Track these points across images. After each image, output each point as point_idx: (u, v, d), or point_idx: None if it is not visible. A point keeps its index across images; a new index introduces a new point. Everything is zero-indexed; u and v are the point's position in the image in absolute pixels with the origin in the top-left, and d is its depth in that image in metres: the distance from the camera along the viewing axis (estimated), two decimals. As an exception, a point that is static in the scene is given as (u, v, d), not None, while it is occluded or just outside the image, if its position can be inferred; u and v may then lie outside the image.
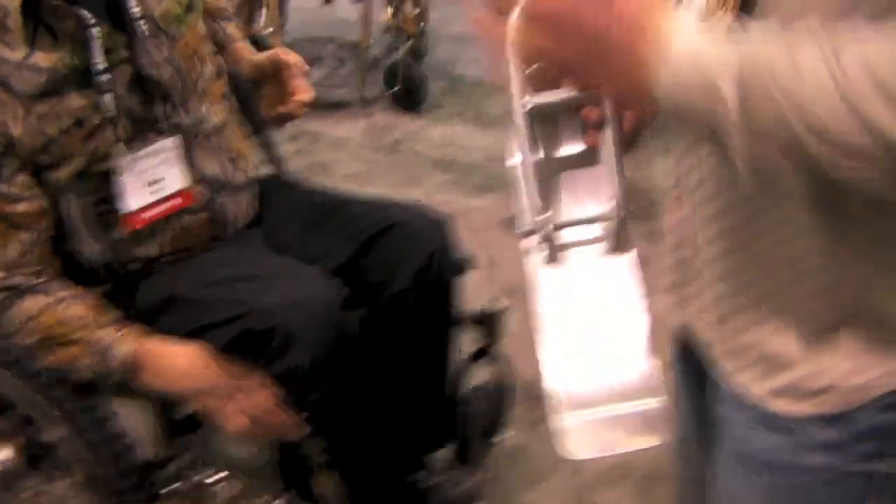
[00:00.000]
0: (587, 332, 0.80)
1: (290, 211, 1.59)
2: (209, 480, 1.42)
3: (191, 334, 1.34)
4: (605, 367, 0.79)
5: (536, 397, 2.15)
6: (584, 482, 2.00)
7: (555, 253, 0.81)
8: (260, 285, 1.34)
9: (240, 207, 1.53)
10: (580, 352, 0.79)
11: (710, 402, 0.96)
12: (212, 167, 1.47)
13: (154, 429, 1.44)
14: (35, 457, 1.52)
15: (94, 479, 1.36)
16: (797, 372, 0.81)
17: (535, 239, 0.81)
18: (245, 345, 1.30)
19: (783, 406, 0.83)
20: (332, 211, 1.57)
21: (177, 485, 1.41)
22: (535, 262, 0.83)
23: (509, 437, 1.78)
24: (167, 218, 1.41)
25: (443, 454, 1.72)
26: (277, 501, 1.34)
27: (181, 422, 1.44)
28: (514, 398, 1.81)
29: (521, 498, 1.95)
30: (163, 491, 1.40)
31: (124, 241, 1.39)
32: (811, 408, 0.81)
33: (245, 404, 1.28)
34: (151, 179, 1.39)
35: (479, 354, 1.75)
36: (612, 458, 2.04)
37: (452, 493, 1.79)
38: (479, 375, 1.77)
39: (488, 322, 1.71)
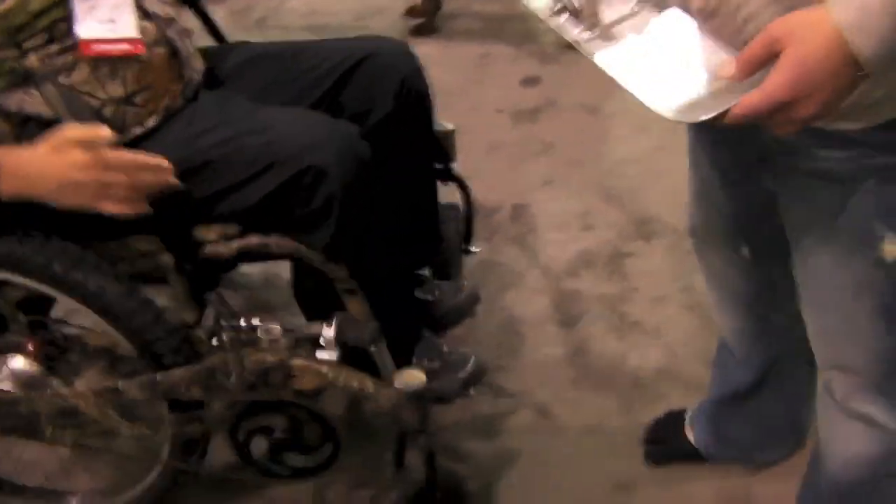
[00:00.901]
0: (673, 65, 0.89)
1: (250, 66, 1.60)
2: (243, 325, 1.47)
3: (218, 196, 1.37)
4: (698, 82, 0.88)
5: (491, 212, 2.31)
6: (555, 274, 2.17)
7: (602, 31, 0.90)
8: (272, 135, 1.37)
9: (193, 52, 1.53)
10: (672, 78, 0.88)
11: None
12: (160, 8, 1.47)
13: (177, 294, 1.47)
14: (51, 360, 1.52)
15: (142, 345, 1.39)
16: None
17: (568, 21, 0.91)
18: (278, 193, 1.35)
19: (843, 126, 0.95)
20: (295, 57, 1.59)
21: (216, 339, 1.46)
22: (588, 48, 0.91)
23: (477, 251, 1.90)
24: (126, 58, 1.39)
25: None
26: (326, 325, 1.40)
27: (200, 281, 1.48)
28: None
29: (503, 301, 2.10)
30: (210, 345, 1.45)
31: (88, 83, 1.37)
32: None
33: (114, 184, 1.28)
34: (106, 19, 1.37)
35: (442, 174, 1.83)
36: (574, 250, 2.22)
37: (450, 303, 1.91)
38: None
39: (445, 142, 1.80)
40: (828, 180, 1.02)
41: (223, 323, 1.47)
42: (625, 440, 1.77)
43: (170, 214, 1.39)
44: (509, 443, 1.79)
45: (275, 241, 1.42)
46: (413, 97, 1.58)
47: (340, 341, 1.38)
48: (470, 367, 1.74)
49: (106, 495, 1.63)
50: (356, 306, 1.48)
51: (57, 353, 1.52)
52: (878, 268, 1.05)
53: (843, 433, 1.26)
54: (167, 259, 1.43)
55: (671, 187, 2.36)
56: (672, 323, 2.01)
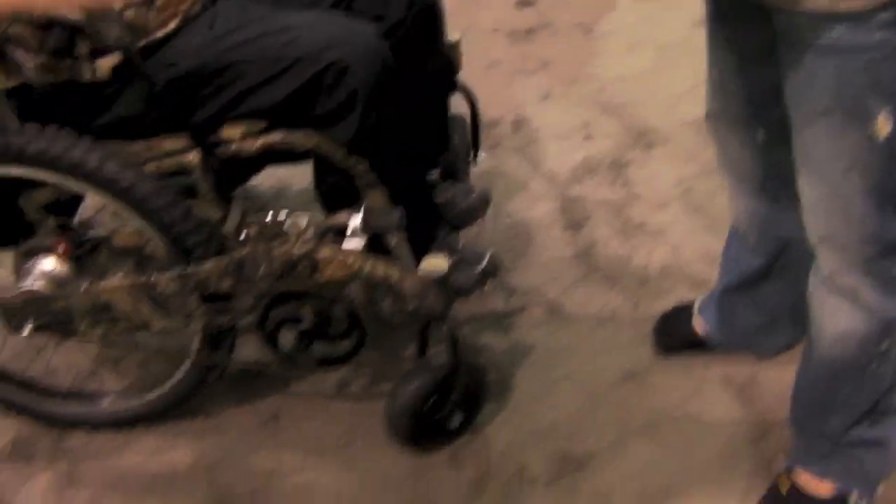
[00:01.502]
0: None
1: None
2: (269, 219, 1.51)
3: (244, 95, 1.41)
4: None
5: (492, 125, 2.35)
6: (559, 182, 2.22)
7: None
8: (294, 34, 1.40)
9: None
10: None
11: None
12: None
13: (203, 192, 1.51)
14: (79, 261, 1.56)
15: (172, 240, 1.43)
16: None
17: None
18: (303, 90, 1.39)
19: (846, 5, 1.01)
20: None
21: (244, 233, 1.50)
22: None
23: (482, 158, 1.94)
24: None
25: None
26: (352, 218, 1.44)
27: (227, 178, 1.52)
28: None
29: (509, 207, 2.15)
30: (237, 239, 1.50)
31: None
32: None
33: None
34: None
35: (448, 85, 1.87)
36: (576, 159, 2.27)
37: (462, 204, 1.96)
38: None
39: (451, 53, 1.83)
40: (830, 55, 1.08)
41: (250, 217, 1.51)
42: (633, 333, 1.84)
43: (197, 114, 1.43)
44: (522, 337, 1.85)
45: (298, 137, 1.46)
46: (424, 6, 1.61)
47: (367, 229, 1.42)
48: (486, 261, 1.79)
49: (136, 393, 1.68)
50: (377, 199, 1.53)
51: (85, 255, 1.56)
52: (870, 144, 1.11)
53: (830, 310, 1.32)
54: (193, 157, 1.47)
55: (666, 102, 2.42)
56: (675, 225, 2.07)
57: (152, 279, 1.45)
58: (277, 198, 2.11)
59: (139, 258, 1.57)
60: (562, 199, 2.16)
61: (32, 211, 1.55)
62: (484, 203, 1.95)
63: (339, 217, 1.44)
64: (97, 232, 1.56)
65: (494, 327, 1.87)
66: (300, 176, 2.19)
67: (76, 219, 1.63)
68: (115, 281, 1.46)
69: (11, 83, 1.44)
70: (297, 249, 1.44)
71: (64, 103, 1.46)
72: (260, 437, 1.70)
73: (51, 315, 1.50)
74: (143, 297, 1.47)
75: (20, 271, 1.55)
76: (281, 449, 1.68)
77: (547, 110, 2.44)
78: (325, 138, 1.45)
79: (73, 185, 1.41)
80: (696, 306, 1.79)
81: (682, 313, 1.81)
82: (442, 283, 1.45)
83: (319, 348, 1.56)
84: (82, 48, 1.42)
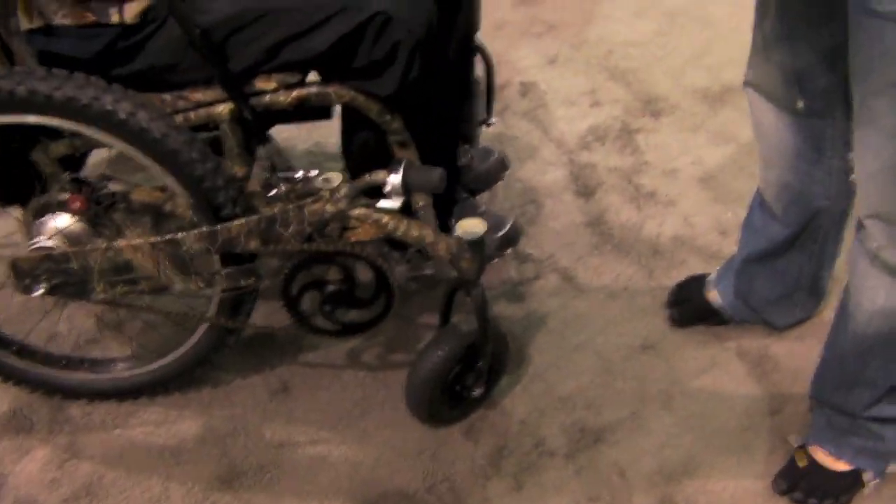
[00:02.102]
0: None
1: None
2: (300, 176, 1.46)
3: (283, 43, 1.34)
4: None
5: (500, 88, 2.30)
6: (569, 148, 2.19)
7: None
8: None
9: None
10: None
11: None
12: None
13: (230, 146, 1.45)
14: (95, 218, 1.49)
15: (200, 196, 1.37)
16: None
17: None
18: (347, 39, 1.33)
19: None
20: None
21: (274, 190, 1.45)
22: None
23: (494, 122, 1.90)
24: None
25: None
26: (391, 172, 1.39)
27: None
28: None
29: (520, 172, 2.12)
30: (266, 196, 1.44)
31: None
32: None
33: None
34: None
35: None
36: (584, 125, 2.23)
37: (481, 167, 1.93)
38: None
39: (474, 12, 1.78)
40: None
41: (279, 174, 1.46)
42: (648, 303, 1.83)
43: (231, 64, 1.36)
44: (537, 306, 1.82)
45: (334, 90, 1.40)
46: None
47: (407, 188, 1.38)
48: (508, 227, 1.76)
49: (150, 358, 1.61)
50: (409, 158, 1.49)
51: (101, 211, 1.49)
52: None
53: (871, 284, 1.31)
54: (223, 110, 1.41)
55: (672, 69, 2.40)
56: (685, 194, 2.06)
57: (179, 237, 1.39)
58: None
59: (157, 216, 1.50)
60: (572, 166, 2.13)
61: (46, 164, 1.47)
62: (502, 167, 1.92)
63: (377, 175, 1.38)
64: (117, 186, 1.48)
65: (508, 296, 1.84)
66: (304, 136, 2.14)
67: (84, 173, 1.56)
68: (139, 238, 1.39)
69: (35, 24, 1.36)
70: (330, 208, 1.39)
71: (87, 49, 1.38)
72: (270, 407, 1.66)
73: (65, 275, 1.43)
74: (166, 257, 1.41)
75: (31, 229, 1.47)
76: (292, 420, 1.63)
77: (554, 75, 2.40)
78: (360, 92, 1.40)
79: (99, 136, 1.34)
80: (711, 277, 1.78)
81: (696, 284, 1.80)
82: (477, 246, 1.42)
83: (343, 313, 1.52)
84: (107, -12, 1.34)
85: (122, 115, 1.30)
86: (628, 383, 1.69)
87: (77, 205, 1.46)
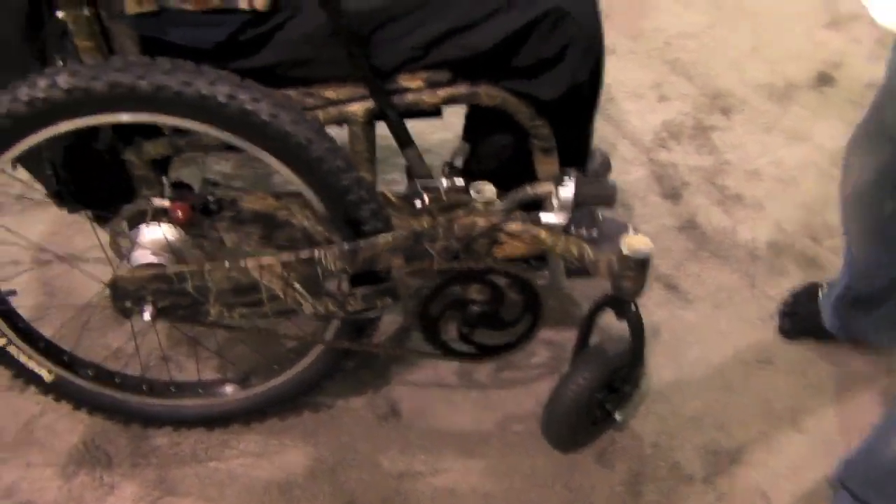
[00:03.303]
0: None
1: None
2: (447, 186, 1.30)
3: (442, 38, 1.18)
4: None
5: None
6: (645, 146, 2.07)
7: None
8: None
9: None
10: None
11: None
12: None
13: (359, 150, 1.28)
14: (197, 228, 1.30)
15: (340, 208, 1.20)
16: None
17: None
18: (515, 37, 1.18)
19: None
20: None
21: (419, 200, 1.28)
22: None
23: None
24: None
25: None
26: (561, 189, 1.24)
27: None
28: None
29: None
30: (411, 208, 1.27)
31: None
32: None
33: None
34: None
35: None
36: (657, 122, 2.12)
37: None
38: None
39: None
40: None
41: (421, 183, 1.30)
42: (756, 313, 1.73)
43: (377, 59, 1.19)
44: (647, 317, 1.69)
45: (484, 90, 1.25)
46: None
47: (577, 202, 1.23)
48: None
49: (259, 381, 1.43)
50: (550, 167, 1.34)
51: (205, 221, 1.30)
52: None
53: None
54: (358, 108, 1.24)
55: (731, 62, 2.30)
56: (771, 197, 1.97)
57: (316, 255, 1.21)
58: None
59: (270, 226, 1.32)
60: (652, 165, 2.02)
61: (138, 167, 1.27)
62: (608, 167, 1.79)
63: (542, 187, 1.23)
64: (228, 192, 1.29)
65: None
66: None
67: (170, 176, 1.36)
68: (270, 256, 1.21)
69: (145, 8, 1.16)
70: (483, 221, 1.24)
71: (206, 38, 1.19)
72: (381, 433, 1.49)
73: (177, 296, 1.24)
74: (298, 277, 1.23)
75: (126, 241, 1.28)
76: (408, 447, 1.47)
77: (616, 67, 2.27)
78: (514, 94, 1.25)
79: (231, 139, 1.15)
80: (821, 294, 1.68)
81: (809, 294, 1.71)
82: (643, 265, 1.28)
83: (481, 335, 1.37)
84: (233, -29, 1.16)
85: (263, 117, 1.11)
86: (752, 400, 1.58)
87: (180, 214, 1.27)
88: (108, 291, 1.24)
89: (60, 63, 1.28)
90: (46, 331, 1.41)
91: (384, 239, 1.22)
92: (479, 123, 1.37)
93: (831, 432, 1.54)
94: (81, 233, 1.75)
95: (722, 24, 2.44)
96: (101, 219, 1.36)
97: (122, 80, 1.08)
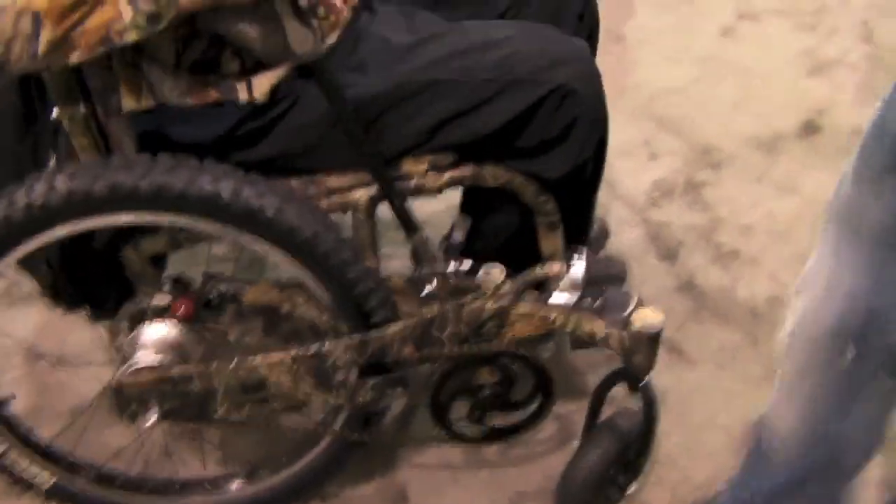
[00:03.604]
0: None
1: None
2: (452, 270, 1.29)
3: (443, 123, 1.17)
4: None
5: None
6: (639, 206, 2.07)
7: None
8: (508, 48, 1.16)
9: None
10: None
11: None
12: None
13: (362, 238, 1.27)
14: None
15: (348, 300, 1.18)
16: None
17: None
18: (520, 117, 1.17)
19: None
20: None
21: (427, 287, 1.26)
22: None
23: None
24: None
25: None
26: (572, 268, 1.23)
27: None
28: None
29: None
30: (419, 295, 1.26)
31: None
32: None
33: None
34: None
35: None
36: (648, 180, 2.12)
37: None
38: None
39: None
40: None
41: (424, 269, 1.28)
42: (759, 372, 1.72)
43: (383, 144, 1.18)
44: (652, 382, 1.69)
45: (489, 172, 1.24)
46: (593, 22, 1.43)
47: (588, 281, 1.22)
48: (633, 306, 1.62)
49: (265, 476, 1.39)
50: (554, 243, 1.33)
51: (208, 316, 1.28)
52: None
53: None
54: (361, 196, 1.22)
55: (719, 116, 2.32)
56: (767, 251, 1.97)
57: (325, 349, 1.19)
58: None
59: (272, 318, 1.30)
60: (647, 225, 2.02)
61: (136, 264, 1.25)
62: (605, 234, 1.78)
63: (550, 268, 1.22)
64: (230, 285, 1.27)
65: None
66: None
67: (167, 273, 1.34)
68: (278, 354, 1.19)
69: (144, 105, 1.14)
70: (492, 305, 1.22)
71: (205, 133, 1.17)
72: (391, 518, 1.46)
73: (182, 397, 1.21)
74: (307, 371, 1.20)
75: (118, 340, 1.25)
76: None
77: (604, 125, 2.28)
78: (519, 173, 1.24)
79: (230, 234, 1.13)
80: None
81: None
82: (655, 339, 1.27)
83: (493, 417, 1.34)
84: (232, 64, 1.14)
85: (269, 213, 1.10)
86: (763, 464, 1.56)
87: (183, 310, 1.24)
88: (111, 396, 1.21)
89: (54, 160, 1.26)
90: (43, 433, 1.37)
91: (394, 328, 1.20)
92: (479, 200, 1.36)
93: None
94: (74, 331, 1.71)
95: (706, 78, 2.45)
96: (97, 316, 1.34)
97: (123, 182, 1.06)
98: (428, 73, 1.16)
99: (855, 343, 1.00)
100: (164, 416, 1.22)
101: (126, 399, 1.21)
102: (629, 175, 2.14)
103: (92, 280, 1.27)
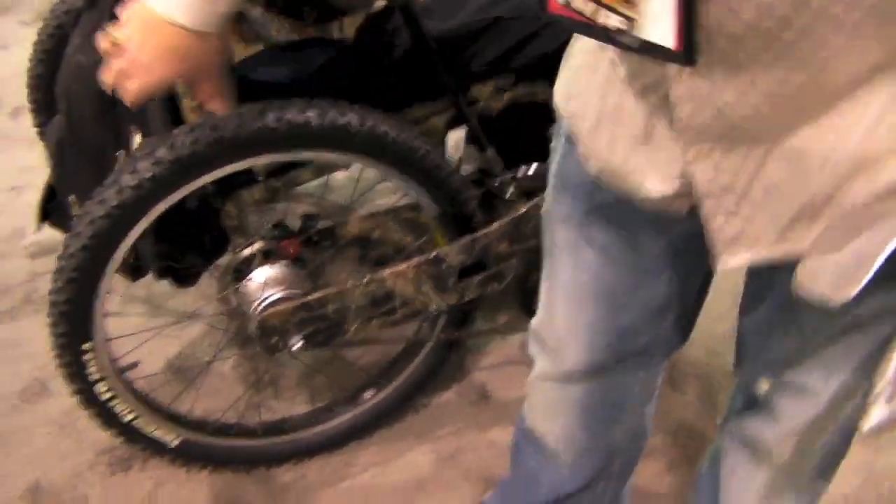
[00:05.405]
0: None
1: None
2: (532, 172, 1.45)
3: (511, 52, 1.34)
4: None
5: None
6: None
7: None
8: None
9: None
10: None
11: None
12: None
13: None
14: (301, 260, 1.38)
15: (453, 208, 1.33)
16: None
17: None
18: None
19: None
20: None
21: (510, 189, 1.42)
22: None
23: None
24: None
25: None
26: None
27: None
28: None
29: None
30: (504, 199, 1.41)
31: None
32: None
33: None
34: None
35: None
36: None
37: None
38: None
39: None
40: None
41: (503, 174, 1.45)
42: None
43: (460, 74, 1.35)
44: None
45: (541, 89, 1.42)
46: None
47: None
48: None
49: (386, 383, 1.53)
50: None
51: (311, 252, 1.40)
52: None
53: None
54: (438, 122, 1.38)
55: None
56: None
57: (443, 252, 1.34)
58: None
59: (364, 246, 1.44)
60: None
61: (235, 217, 1.36)
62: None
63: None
64: (325, 223, 1.40)
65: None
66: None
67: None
68: (402, 264, 1.33)
69: (251, 51, 1.26)
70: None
71: (303, 70, 1.30)
72: (481, 416, 1.62)
73: (318, 321, 1.33)
74: (428, 277, 1.35)
75: (239, 289, 1.35)
76: (509, 420, 1.61)
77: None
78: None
79: (354, 161, 1.26)
80: None
81: None
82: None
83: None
84: (311, 14, 1.28)
85: (392, 138, 1.24)
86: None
87: (292, 250, 1.36)
88: (256, 331, 1.31)
89: (139, 137, 1.33)
90: (159, 396, 1.44)
91: (496, 227, 1.36)
92: (515, 116, 1.53)
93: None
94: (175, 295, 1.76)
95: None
96: (182, 281, 1.41)
97: (264, 125, 1.17)
98: (490, 12, 1.33)
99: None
100: (306, 341, 1.32)
101: (269, 332, 1.31)
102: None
103: (189, 243, 1.35)
